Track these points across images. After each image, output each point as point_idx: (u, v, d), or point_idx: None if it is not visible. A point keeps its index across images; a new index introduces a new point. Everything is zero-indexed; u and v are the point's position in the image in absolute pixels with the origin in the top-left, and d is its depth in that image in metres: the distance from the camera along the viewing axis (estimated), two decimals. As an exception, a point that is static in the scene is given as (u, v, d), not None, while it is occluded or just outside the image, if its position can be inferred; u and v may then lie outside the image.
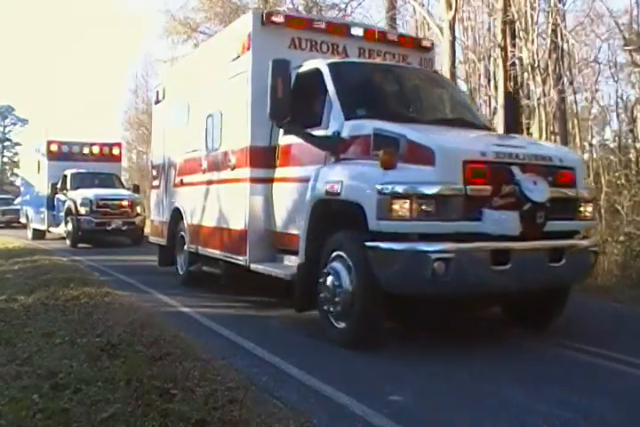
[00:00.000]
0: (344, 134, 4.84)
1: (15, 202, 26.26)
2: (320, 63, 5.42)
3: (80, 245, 14.38)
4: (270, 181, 5.79)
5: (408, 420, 3.06)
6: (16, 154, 58.23)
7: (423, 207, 4.01)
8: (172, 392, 3.23)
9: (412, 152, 4.24)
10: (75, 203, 14.45)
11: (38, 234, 17.36)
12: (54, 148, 16.96)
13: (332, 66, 5.33)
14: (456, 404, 3.33)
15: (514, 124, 6.62)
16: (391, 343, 4.59)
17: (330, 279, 4.55)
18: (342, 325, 4.47)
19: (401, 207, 4.03)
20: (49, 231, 16.55)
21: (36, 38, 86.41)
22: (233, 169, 6.19)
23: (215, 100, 6.79)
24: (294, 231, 5.31)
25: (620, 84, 16.39)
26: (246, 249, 5.85)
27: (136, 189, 16.79)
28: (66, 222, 14.73)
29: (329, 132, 4.97)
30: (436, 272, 3.93)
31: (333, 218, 4.74)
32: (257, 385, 3.53)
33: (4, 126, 57.70)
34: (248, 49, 5.95)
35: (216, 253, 6.63)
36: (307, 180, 4.96)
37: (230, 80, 6.33)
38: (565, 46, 12.55)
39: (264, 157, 5.78)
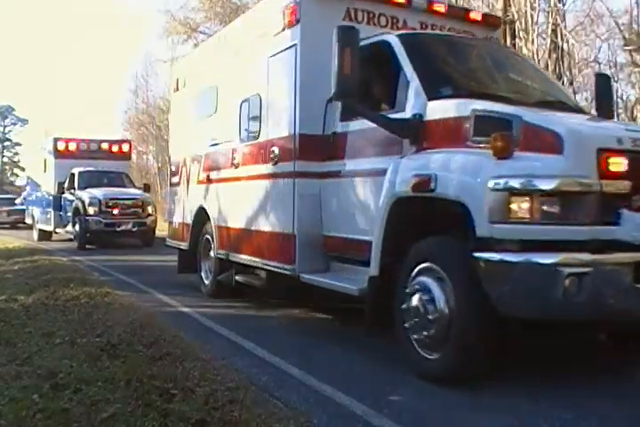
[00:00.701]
0: (428, 117, 4.02)
1: (17, 201, 26.17)
2: (389, 36, 4.64)
3: (70, 242, 14.20)
4: (324, 175, 4.96)
5: (408, 420, 3.06)
6: (16, 154, 58.37)
7: (549, 207, 3.19)
8: (172, 392, 3.23)
9: (531, 137, 3.43)
10: (83, 203, 13.84)
11: (44, 235, 16.76)
12: (61, 145, 16.32)
13: (403, 38, 4.54)
14: (456, 404, 3.33)
15: (608, 108, 5.43)
16: (393, 344, 4.59)
17: (417, 298, 3.65)
18: (434, 355, 3.57)
19: (521, 207, 3.20)
20: (55, 232, 15.99)
21: (36, 38, 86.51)
22: (276, 162, 5.31)
23: (252, 82, 5.93)
24: (359, 236, 4.48)
25: (619, 84, 16.40)
26: (295, 257, 4.96)
27: (147, 188, 16.24)
28: (73, 223, 14.15)
29: (406, 116, 4.14)
30: (568, 291, 3.11)
31: (421, 220, 3.88)
32: (257, 385, 3.53)
33: (4, 126, 57.72)
34: (296, 22, 5.13)
35: (254, 260, 5.72)
36: (377, 173, 4.18)
37: (271, 59, 5.54)
38: (565, 46, 12.55)
39: (316, 148, 4.97)
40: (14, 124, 58.04)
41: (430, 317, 3.54)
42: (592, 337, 4.52)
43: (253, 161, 5.82)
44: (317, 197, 5.01)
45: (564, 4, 11.57)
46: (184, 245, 7.60)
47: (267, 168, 5.50)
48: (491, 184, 3.22)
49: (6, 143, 58.08)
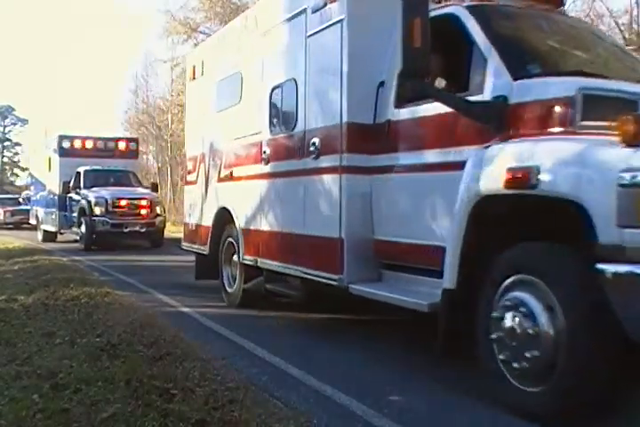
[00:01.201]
0: (514, 100, 3.39)
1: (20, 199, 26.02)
2: (456, 8, 4.02)
3: (72, 243, 14.04)
4: (376, 171, 4.31)
5: (408, 420, 3.06)
6: (16, 154, 58.43)
7: None
8: (172, 392, 3.23)
9: None
10: (89, 202, 13.37)
11: (49, 236, 16.30)
12: (66, 143, 15.79)
13: (474, 10, 3.92)
14: (456, 404, 3.33)
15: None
16: (390, 344, 4.59)
17: (510, 317, 3.04)
18: (534, 389, 2.96)
19: None
20: (60, 233, 15.59)
21: (36, 38, 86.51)
22: (317, 156, 4.66)
23: (285, 66, 5.32)
24: (422, 241, 3.86)
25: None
26: (342, 265, 4.30)
27: (154, 187, 15.77)
28: (79, 224, 13.71)
29: (486, 98, 3.53)
30: None
31: (513, 223, 3.23)
32: (257, 385, 3.53)
33: (4, 126, 57.78)
34: None
35: (289, 268, 5.05)
36: (448, 167, 3.62)
37: (310, 38, 4.91)
38: (565, 46, 12.51)
39: (366, 139, 4.33)
40: (14, 124, 58.11)
41: (529, 339, 2.94)
42: None
43: (287, 155, 5.16)
44: (368, 195, 4.36)
45: (564, 5, 11.57)
46: (203, 250, 6.87)
47: (305, 163, 4.83)
48: (620, 178, 2.58)
49: (6, 143, 58.13)
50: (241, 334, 4.91)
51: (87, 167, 14.73)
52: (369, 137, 4.33)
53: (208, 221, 6.75)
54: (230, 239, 6.30)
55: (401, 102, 4.17)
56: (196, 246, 7.17)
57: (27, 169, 56.96)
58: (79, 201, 13.87)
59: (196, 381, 3.44)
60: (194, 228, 7.31)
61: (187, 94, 8.47)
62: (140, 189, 14.88)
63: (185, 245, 7.60)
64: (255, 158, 5.71)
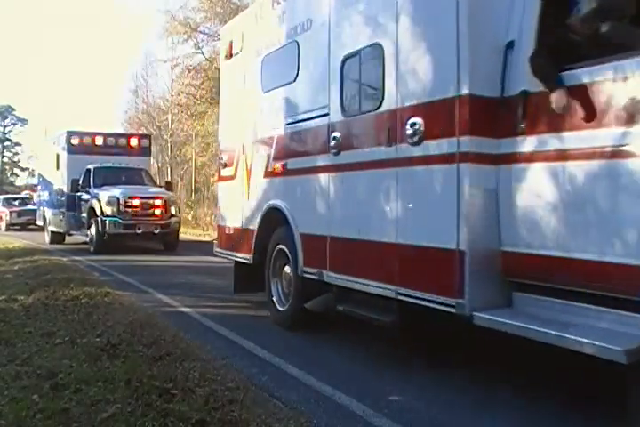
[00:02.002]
0: None
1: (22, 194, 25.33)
2: None
3: (72, 243, 13.79)
4: (508, 159, 3.25)
5: (408, 420, 3.06)
6: (16, 154, 58.39)
7: None
8: (172, 392, 3.23)
9: None
10: (99, 202, 12.50)
11: (57, 238, 15.28)
12: (75, 140, 14.69)
13: None
14: (456, 404, 3.33)
15: None
16: (391, 344, 4.59)
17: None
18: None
19: None
20: (69, 235, 14.61)
21: (36, 38, 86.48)
22: (419, 141, 3.58)
23: (364, 28, 4.26)
24: (609, 258, 2.72)
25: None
26: (463, 285, 3.22)
27: (169, 186, 14.90)
28: (88, 225, 12.78)
29: None
30: None
31: None
32: (257, 385, 3.54)
33: (4, 126, 57.74)
34: None
35: (376, 286, 3.91)
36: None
37: None
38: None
39: (493, 116, 3.31)
40: (14, 124, 58.08)
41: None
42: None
43: (370, 141, 4.12)
44: (493, 192, 3.31)
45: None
46: (245, 258, 5.83)
47: (399, 151, 3.78)
48: None
49: (6, 143, 58.12)
50: (241, 334, 4.91)
51: (97, 164, 13.85)
52: (496, 114, 3.32)
53: (252, 223, 5.70)
54: (282, 246, 5.28)
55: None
56: (234, 254, 6.11)
57: (27, 169, 57.33)
58: (89, 200, 13.00)
59: (196, 381, 3.45)
60: (231, 231, 6.25)
61: (222, 76, 7.24)
62: (154, 188, 13.99)
63: (220, 251, 6.51)
64: (320, 147, 4.67)
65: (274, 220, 5.33)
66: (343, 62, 4.44)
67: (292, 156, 5.11)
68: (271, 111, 5.52)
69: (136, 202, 12.50)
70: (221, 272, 8.98)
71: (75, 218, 13.89)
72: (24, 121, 57.45)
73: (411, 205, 3.70)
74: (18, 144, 57.84)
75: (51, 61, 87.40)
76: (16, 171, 58.46)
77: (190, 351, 4.15)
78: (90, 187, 13.26)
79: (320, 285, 4.63)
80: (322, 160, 4.65)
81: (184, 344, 4.36)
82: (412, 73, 3.75)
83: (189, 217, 23.37)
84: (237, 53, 6.36)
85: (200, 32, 21.82)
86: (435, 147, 3.50)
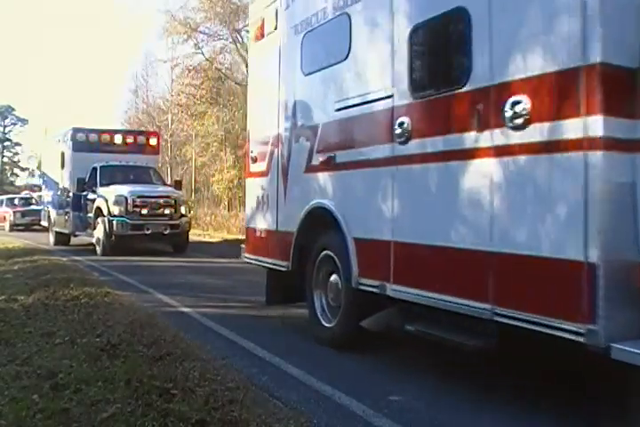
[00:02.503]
0: None
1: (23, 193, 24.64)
2: None
3: (73, 244, 13.62)
4: None
5: (408, 420, 3.06)
6: (16, 154, 58.43)
7: None
8: (172, 392, 3.23)
9: None
10: (106, 201, 12.02)
11: (61, 239, 14.71)
12: (81, 137, 14.04)
13: None
14: (456, 404, 3.33)
15: None
16: (391, 344, 4.59)
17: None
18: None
19: None
20: (74, 236, 14.09)
21: (36, 38, 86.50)
22: (526, 124, 2.90)
23: None
24: None
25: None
26: (594, 308, 2.56)
27: (178, 184, 14.46)
28: (95, 225, 12.31)
29: None
30: None
31: None
32: (257, 385, 3.53)
33: (4, 126, 57.80)
34: None
35: (466, 305, 3.20)
36: None
37: None
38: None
39: (630, 93, 2.66)
40: (14, 124, 58.13)
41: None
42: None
43: (451, 126, 3.44)
44: (631, 188, 2.66)
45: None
46: (280, 265, 5.14)
47: (495, 137, 3.08)
48: None
49: (6, 143, 58.14)
50: (241, 334, 4.91)
51: (104, 163, 13.35)
52: (633, 89, 2.66)
53: (290, 225, 5.00)
54: (329, 252, 4.61)
55: None
56: (267, 260, 5.41)
57: (27, 169, 57.40)
58: (95, 200, 12.52)
59: (196, 381, 3.44)
60: (263, 234, 5.54)
61: (251, 59, 6.58)
62: (164, 187, 13.53)
63: (249, 256, 5.79)
64: (381, 135, 3.99)
65: (319, 221, 4.64)
66: (412, 33, 3.73)
67: (343, 147, 4.40)
68: (315, 96, 4.86)
69: (145, 201, 12.04)
70: (221, 272, 9.00)
71: (80, 218, 13.40)
72: (24, 121, 57.54)
73: (514, 205, 3.00)
74: (18, 144, 57.93)
75: (51, 61, 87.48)
76: (16, 171, 58.52)
77: (190, 351, 4.15)
78: (96, 186, 12.77)
79: (379, 299, 3.98)
80: (383, 151, 3.95)
81: (184, 344, 4.36)
82: (512, 41, 3.05)
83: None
84: (271, 33, 5.60)
85: (200, 32, 21.83)
86: (548, 131, 2.81)
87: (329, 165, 4.54)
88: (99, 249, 12.02)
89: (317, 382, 3.64)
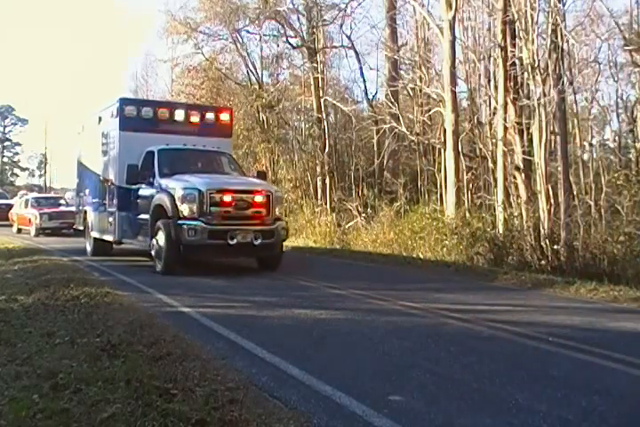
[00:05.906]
0: None
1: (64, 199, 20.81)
2: None
3: (73, 244, 13.09)
4: None
5: (408, 420, 3.06)
6: (16, 154, 58.41)
7: None
8: (172, 392, 3.24)
9: None
10: (171, 197, 8.65)
11: (101, 248, 11.31)
12: (131, 111, 10.44)
13: None
14: (456, 404, 3.33)
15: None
16: (394, 345, 4.59)
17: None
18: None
19: None
20: (119, 243, 10.68)
21: (36, 38, 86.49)
22: None
23: None
24: None
25: (619, 84, 16.41)
26: None
27: (262, 176, 10.68)
28: (153, 231, 8.89)
29: None
30: None
31: None
32: (257, 385, 3.53)
33: (4, 126, 57.81)
34: None
35: None
36: None
37: None
38: (565, 46, 12.52)
39: None
40: (14, 124, 58.18)
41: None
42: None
43: None
44: None
45: (564, 4, 11.53)
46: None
47: None
48: None
49: (6, 143, 58.15)
50: (241, 334, 4.91)
51: (163, 146, 9.87)
52: None
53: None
54: None
55: None
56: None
57: (27, 169, 57.37)
58: (153, 196, 9.13)
59: (196, 381, 3.45)
60: None
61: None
62: (250, 179, 10.28)
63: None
64: None
65: None
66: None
67: None
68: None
69: (227, 198, 8.58)
70: (221, 272, 8.98)
71: (130, 221, 10.02)
72: (24, 121, 57.59)
73: None
74: (18, 144, 57.95)
75: (51, 61, 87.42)
76: (16, 171, 58.52)
77: (190, 351, 4.15)
78: (154, 176, 9.34)
79: None
80: None
81: (184, 344, 4.36)
82: None
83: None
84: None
85: (200, 32, 21.75)
86: None
87: None
88: (159, 265, 8.79)
89: (317, 382, 3.64)
